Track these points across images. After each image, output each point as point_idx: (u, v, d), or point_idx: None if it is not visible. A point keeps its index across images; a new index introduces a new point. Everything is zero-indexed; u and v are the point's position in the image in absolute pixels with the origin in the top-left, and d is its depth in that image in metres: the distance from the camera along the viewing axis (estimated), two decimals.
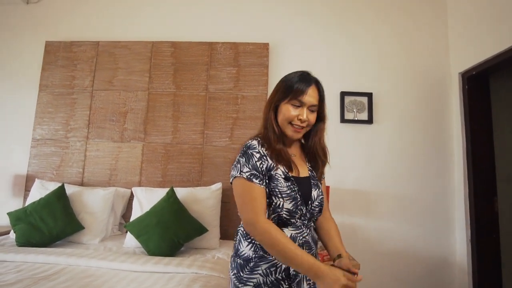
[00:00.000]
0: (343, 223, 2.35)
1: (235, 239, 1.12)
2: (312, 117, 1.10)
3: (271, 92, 1.15)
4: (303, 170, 1.12)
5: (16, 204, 2.44)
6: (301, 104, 1.07)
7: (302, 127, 1.08)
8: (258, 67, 2.48)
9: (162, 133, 2.46)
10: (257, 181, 1.01)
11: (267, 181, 1.04)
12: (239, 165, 1.05)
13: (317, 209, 1.11)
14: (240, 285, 1.02)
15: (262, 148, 1.06)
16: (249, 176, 1.01)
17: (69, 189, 2.18)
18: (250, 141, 1.08)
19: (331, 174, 2.37)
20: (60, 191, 2.07)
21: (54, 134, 2.54)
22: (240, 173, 1.03)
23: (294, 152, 1.16)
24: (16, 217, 1.95)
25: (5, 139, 2.61)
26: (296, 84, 1.07)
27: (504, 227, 2.19)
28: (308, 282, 1.04)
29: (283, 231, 1.01)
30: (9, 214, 2.00)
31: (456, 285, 2.27)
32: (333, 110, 2.46)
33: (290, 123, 1.07)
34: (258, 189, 1.01)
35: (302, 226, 1.06)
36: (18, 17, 2.76)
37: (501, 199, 2.20)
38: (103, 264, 1.54)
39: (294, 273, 1.03)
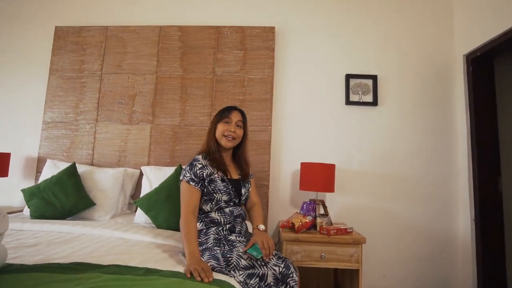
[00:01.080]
0: (349, 204, 2.39)
1: None
2: (239, 131, 1.60)
3: (211, 122, 1.64)
4: (234, 175, 1.60)
5: (27, 186, 2.50)
6: (230, 121, 1.58)
7: (233, 138, 1.56)
8: (264, 50, 2.51)
9: (170, 115, 2.51)
10: (193, 184, 1.45)
11: (206, 184, 1.47)
12: (184, 172, 1.50)
13: (244, 201, 1.61)
14: (202, 248, 1.36)
15: (205, 160, 1.52)
16: (188, 180, 1.46)
17: (80, 168, 2.23)
18: (197, 155, 1.54)
19: (336, 155, 2.42)
20: (72, 169, 2.12)
21: (64, 117, 2.59)
22: (183, 177, 1.48)
23: (228, 162, 1.63)
24: (30, 193, 2.00)
25: (17, 122, 2.67)
26: (225, 111, 1.62)
27: (507, 206, 2.22)
28: (239, 234, 1.48)
29: (216, 214, 1.49)
30: (23, 190, 2.06)
31: (459, 263, 2.31)
32: (338, 93, 2.50)
33: (224, 135, 1.56)
34: (194, 190, 1.45)
35: (236, 206, 1.55)
36: (28, 3, 2.81)
37: (505, 179, 2.23)
38: (116, 234, 1.59)
39: (235, 229, 1.49)
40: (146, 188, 2.14)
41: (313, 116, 2.49)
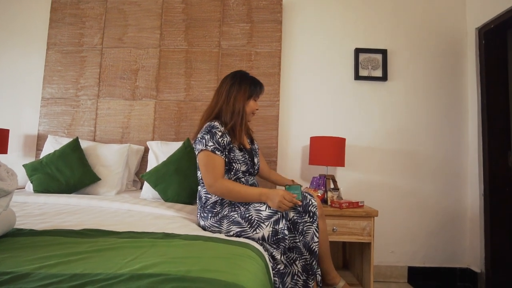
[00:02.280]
0: (358, 179, 2.36)
1: (197, 201, 1.47)
2: None
3: (229, 90, 1.49)
4: (247, 144, 1.57)
5: None
6: (258, 99, 1.57)
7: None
8: (272, 23, 2.43)
9: (175, 90, 2.43)
10: (218, 153, 1.36)
11: (227, 153, 1.40)
12: (204, 141, 1.38)
13: (256, 171, 1.59)
14: (219, 218, 1.34)
15: (222, 128, 1.42)
16: (213, 149, 1.35)
17: (83, 144, 2.16)
18: (212, 122, 1.42)
19: (346, 131, 2.38)
20: (75, 143, 2.05)
21: (64, 93, 2.50)
22: (205, 147, 1.36)
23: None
24: (32, 168, 1.94)
25: (14, 99, 2.57)
26: (257, 87, 1.55)
27: None
28: None
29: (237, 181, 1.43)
30: (24, 166, 1.99)
31: (467, 239, 2.31)
32: (347, 67, 2.44)
33: (253, 113, 1.55)
34: (219, 159, 1.36)
35: (251, 176, 1.54)
36: None
37: None
38: (125, 206, 1.54)
39: None
40: (153, 163, 2.08)
41: (321, 92, 2.43)
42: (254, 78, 1.57)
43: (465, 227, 2.33)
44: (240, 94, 1.47)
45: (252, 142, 1.65)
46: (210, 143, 1.36)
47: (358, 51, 2.42)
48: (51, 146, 2.17)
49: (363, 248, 1.94)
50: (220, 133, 1.39)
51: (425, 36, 2.44)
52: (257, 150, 1.66)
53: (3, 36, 2.63)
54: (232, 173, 1.44)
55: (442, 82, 2.41)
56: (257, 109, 1.55)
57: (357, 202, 1.92)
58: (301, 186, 1.36)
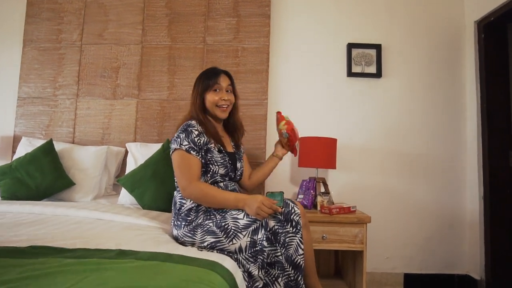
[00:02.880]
0: (350, 182, 2.24)
1: (172, 207, 1.35)
2: (231, 97, 1.42)
3: (193, 90, 1.44)
4: (229, 147, 1.46)
5: None
6: (220, 88, 1.38)
7: (226, 106, 1.39)
8: (260, 17, 2.30)
9: (157, 89, 2.30)
10: (194, 153, 1.26)
11: (203, 153, 1.29)
12: (179, 140, 1.28)
13: (238, 177, 1.47)
14: (192, 226, 1.21)
15: (200, 126, 1.32)
16: (187, 149, 1.25)
17: (58, 146, 2.04)
18: (189, 121, 1.33)
19: (338, 131, 2.25)
20: (48, 146, 1.92)
21: (42, 92, 2.37)
22: (180, 146, 1.26)
23: (221, 134, 1.45)
24: (1, 172, 1.81)
25: None
26: (211, 77, 1.39)
27: None
28: None
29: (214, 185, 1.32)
30: None
31: (466, 242, 2.19)
32: (339, 63, 2.31)
33: (217, 105, 1.38)
34: (195, 160, 1.25)
35: (232, 181, 1.41)
36: None
37: None
38: (93, 214, 1.41)
39: None
40: (131, 166, 1.95)
41: (312, 89, 2.30)
42: (210, 69, 1.46)
43: (464, 231, 2.21)
44: (198, 91, 1.40)
45: (237, 147, 1.52)
46: (185, 142, 1.26)
47: (350, 46, 2.29)
48: (23, 149, 2.04)
49: (356, 256, 1.82)
50: (196, 132, 1.29)
51: (421, 30, 2.31)
52: (241, 155, 1.53)
53: None
54: (208, 175, 1.32)
55: (439, 78, 2.29)
56: (223, 99, 1.37)
57: (349, 207, 1.80)
58: (283, 192, 1.23)
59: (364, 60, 2.30)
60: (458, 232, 2.21)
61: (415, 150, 2.25)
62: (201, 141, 1.29)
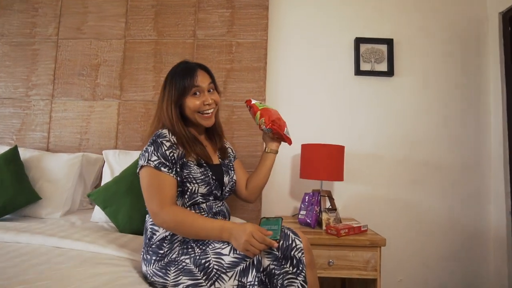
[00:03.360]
0: (361, 193, 1.98)
1: (144, 235, 1.08)
2: (215, 97, 1.15)
3: (163, 94, 1.12)
4: (214, 158, 1.18)
5: None
6: (200, 90, 1.10)
7: (211, 110, 1.13)
8: (256, 8, 2.04)
9: (142, 89, 2.05)
10: (165, 169, 1.00)
11: (178, 169, 1.03)
12: (147, 154, 1.02)
13: (227, 193, 1.19)
14: (165, 262, 0.96)
15: (173, 136, 1.05)
16: (157, 165, 0.99)
17: (26, 154, 1.79)
18: (160, 130, 1.06)
19: (344, 137, 2.00)
20: (11, 153, 1.67)
21: (13, 92, 2.12)
22: (147, 162, 1.00)
23: (205, 143, 1.20)
24: None
25: None
26: (185, 76, 1.08)
27: None
28: None
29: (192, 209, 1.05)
30: None
31: (491, 263, 1.93)
32: (346, 61, 2.06)
33: (199, 112, 1.10)
34: (167, 178, 1.00)
35: (217, 201, 1.13)
36: None
37: None
38: (50, 241, 1.12)
39: None
40: (107, 178, 1.70)
41: (316, 89, 2.05)
42: (182, 64, 1.14)
43: (488, 249, 1.94)
44: (171, 97, 1.08)
45: (224, 155, 1.24)
46: (154, 157, 1.00)
47: (359, 41, 2.04)
48: None
49: (368, 284, 1.56)
50: (168, 144, 1.03)
51: (438, 23, 2.05)
52: (231, 165, 1.25)
53: None
54: (186, 196, 1.05)
55: (459, 76, 2.03)
56: (207, 104, 1.10)
57: (359, 227, 1.54)
58: (281, 219, 0.97)
59: (374, 56, 2.05)
60: (481, 250, 1.95)
61: (432, 158, 1.99)
62: (175, 155, 1.03)
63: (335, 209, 1.64)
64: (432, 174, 1.98)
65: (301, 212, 1.67)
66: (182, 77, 1.08)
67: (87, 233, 1.26)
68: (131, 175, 1.49)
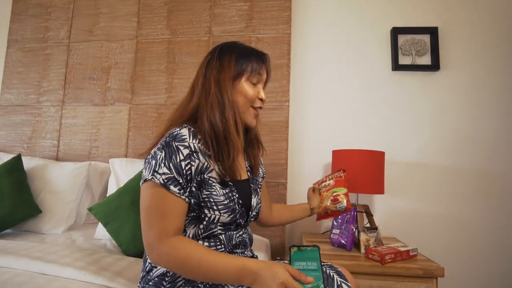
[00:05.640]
0: (399, 207, 1.68)
1: (142, 265, 0.84)
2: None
3: (206, 69, 0.86)
4: (243, 172, 0.91)
5: None
6: (260, 81, 0.89)
7: (261, 108, 0.90)
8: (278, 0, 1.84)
9: (154, 92, 1.89)
10: (176, 189, 0.73)
11: (194, 188, 0.76)
12: (154, 162, 0.74)
13: (252, 219, 0.93)
14: None
15: (194, 141, 0.77)
16: (165, 181, 0.72)
17: (31, 163, 1.66)
18: (177, 129, 0.78)
19: (381, 142, 1.72)
20: (14, 163, 1.54)
21: (25, 99, 2.04)
22: (153, 175, 0.73)
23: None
24: None
25: None
26: (253, 58, 0.86)
27: None
28: None
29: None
30: None
31: None
32: (382, 54, 1.79)
33: (253, 106, 0.87)
34: (175, 201, 0.73)
35: (240, 228, 0.87)
36: None
37: None
38: (34, 266, 0.94)
39: None
40: (112, 190, 1.53)
41: (347, 87, 1.79)
42: (247, 46, 0.90)
43: None
44: (222, 75, 0.83)
45: (252, 168, 0.95)
46: (163, 169, 0.73)
47: (396, 32, 1.77)
48: None
49: None
50: (186, 151, 0.75)
51: (492, 6, 1.74)
52: (259, 182, 0.99)
53: None
54: (201, 226, 0.78)
55: None
56: (261, 99, 0.88)
57: (408, 251, 1.25)
58: (318, 248, 0.72)
59: (415, 48, 1.77)
60: None
61: (493, 166, 1.65)
62: (192, 168, 0.75)
63: (376, 228, 1.35)
64: (486, 187, 1.64)
65: (334, 231, 1.40)
66: (248, 58, 0.85)
67: (79, 255, 1.07)
68: (135, 187, 1.30)
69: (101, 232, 1.42)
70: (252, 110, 0.87)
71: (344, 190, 1.13)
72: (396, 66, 1.76)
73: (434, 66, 1.73)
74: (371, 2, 1.82)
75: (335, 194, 1.12)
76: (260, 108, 0.89)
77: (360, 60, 1.80)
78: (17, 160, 1.57)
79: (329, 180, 1.18)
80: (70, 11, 2.06)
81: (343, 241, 1.35)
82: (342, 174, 1.18)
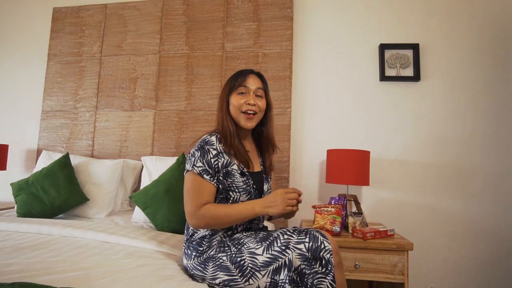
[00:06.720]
0: (388, 198, 1.98)
1: (185, 231, 1.17)
2: (262, 103, 1.17)
3: (220, 94, 1.21)
4: (256, 165, 1.22)
5: None
6: (246, 91, 1.15)
7: (254, 113, 1.14)
8: (281, 20, 2.14)
9: (175, 99, 2.21)
10: (207, 177, 1.07)
11: (221, 178, 1.10)
12: (193, 159, 1.09)
13: None
14: (203, 258, 1.05)
15: (220, 145, 1.11)
16: (201, 172, 1.07)
17: (75, 160, 2.00)
18: (208, 136, 1.12)
19: (370, 142, 2.02)
20: (64, 160, 1.87)
21: (63, 105, 2.37)
22: (192, 167, 1.08)
23: (248, 147, 1.22)
24: (18, 188, 1.78)
25: (16, 112, 2.49)
26: (238, 77, 1.17)
27: None
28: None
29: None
30: (12, 184, 1.84)
31: None
32: (371, 67, 2.09)
33: (241, 111, 1.14)
34: (207, 185, 1.07)
35: None
36: None
37: None
38: (100, 236, 1.29)
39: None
40: (145, 182, 1.86)
41: (341, 95, 2.09)
42: (240, 70, 1.21)
43: None
44: (224, 93, 1.18)
45: (265, 165, 1.25)
46: (199, 164, 1.07)
47: (383, 47, 2.06)
48: (42, 163, 2.02)
49: (395, 287, 1.57)
50: (214, 152, 1.09)
51: (467, 25, 2.03)
52: (269, 177, 1.27)
53: (4, 48, 2.57)
54: (228, 203, 1.12)
55: (491, 79, 1.98)
56: (249, 103, 1.12)
57: (386, 231, 1.56)
58: None
59: (399, 62, 2.06)
60: None
61: (464, 162, 1.95)
62: (219, 163, 1.09)
63: (361, 213, 1.66)
64: (464, 178, 1.94)
65: None
66: (234, 78, 1.17)
67: (130, 230, 1.40)
68: (168, 179, 1.62)
69: (137, 217, 1.74)
70: (243, 114, 1.14)
71: (340, 219, 1.54)
72: (383, 77, 2.05)
73: (416, 77, 2.03)
74: (361, 21, 2.12)
75: (334, 219, 1.53)
76: (250, 111, 1.13)
77: (352, 72, 2.10)
78: (66, 157, 1.91)
79: (331, 208, 1.54)
80: (101, 29, 2.38)
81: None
82: (341, 207, 1.55)
